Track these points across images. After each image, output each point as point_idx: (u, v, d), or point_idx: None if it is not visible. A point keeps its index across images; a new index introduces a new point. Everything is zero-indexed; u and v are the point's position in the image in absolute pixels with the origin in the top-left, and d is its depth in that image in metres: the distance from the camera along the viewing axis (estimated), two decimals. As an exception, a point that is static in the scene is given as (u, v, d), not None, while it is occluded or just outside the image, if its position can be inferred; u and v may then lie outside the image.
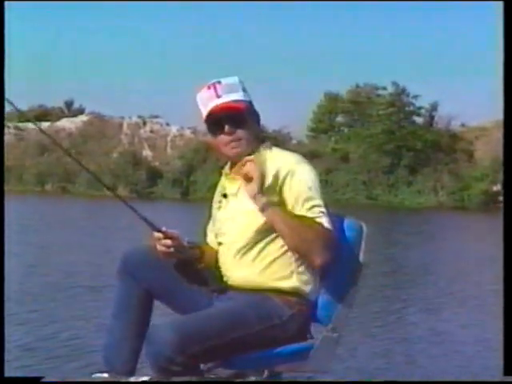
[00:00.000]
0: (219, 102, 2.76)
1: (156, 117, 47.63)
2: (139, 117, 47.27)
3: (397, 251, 15.21)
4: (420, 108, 45.09)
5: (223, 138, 2.78)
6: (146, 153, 44.84)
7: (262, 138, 2.87)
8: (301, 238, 2.65)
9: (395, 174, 42.02)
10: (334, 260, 2.70)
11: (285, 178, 2.71)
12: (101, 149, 44.00)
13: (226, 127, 2.76)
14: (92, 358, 5.07)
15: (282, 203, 2.70)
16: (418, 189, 41.57)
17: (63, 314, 6.91)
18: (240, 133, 2.77)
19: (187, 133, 46.27)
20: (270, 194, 2.70)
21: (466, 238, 20.63)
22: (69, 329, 6.24)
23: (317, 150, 43.04)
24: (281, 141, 43.33)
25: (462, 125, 46.05)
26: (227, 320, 2.63)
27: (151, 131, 46.58)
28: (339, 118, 46.66)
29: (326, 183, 41.09)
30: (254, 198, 2.69)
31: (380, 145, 42.24)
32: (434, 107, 45.59)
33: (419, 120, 45.41)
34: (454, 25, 77.68)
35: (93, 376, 2.86)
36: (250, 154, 2.79)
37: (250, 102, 2.84)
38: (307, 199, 2.68)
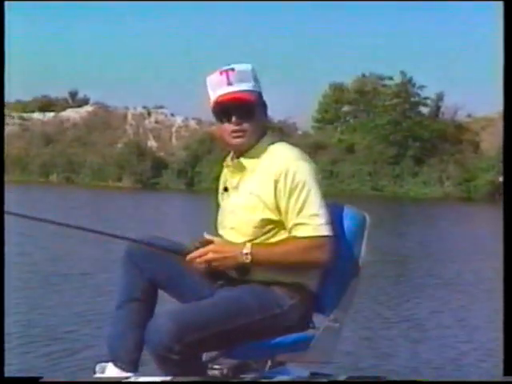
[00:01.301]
0: (229, 90, 2.74)
1: (161, 107, 47.58)
2: (144, 107, 47.21)
3: (392, 241, 15.18)
4: (426, 98, 44.91)
5: (229, 127, 2.76)
6: (151, 143, 44.80)
7: (265, 130, 2.83)
8: (294, 261, 2.67)
9: (401, 165, 41.89)
10: (336, 252, 2.70)
11: (280, 176, 2.68)
12: (105, 139, 43.97)
13: (234, 118, 2.74)
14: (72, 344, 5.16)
15: (275, 199, 2.69)
16: (423, 179, 41.45)
17: (46, 302, 6.92)
18: (246, 125, 2.75)
19: (192, 123, 46.19)
20: (263, 190, 2.69)
21: (469, 228, 20.59)
22: (52, 316, 6.23)
23: (322, 141, 42.95)
24: (286, 131, 43.25)
25: (468, 115, 45.88)
26: (226, 309, 2.64)
27: (156, 122, 46.52)
28: (345, 109, 46.48)
29: (331, 174, 41.04)
30: (235, 265, 2.68)
31: (386, 135, 42.10)
32: (440, 97, 45.41)
33: (425, 110, 45.26)
34: (460, 15, 77.30)
35: (97, 366, 2.85)
36: (252, 146, 2.77)
37: (260, 93, 2.81)
38: (302, 207, 2.67)
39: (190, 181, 41.00)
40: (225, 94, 2.74)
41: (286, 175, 2.66)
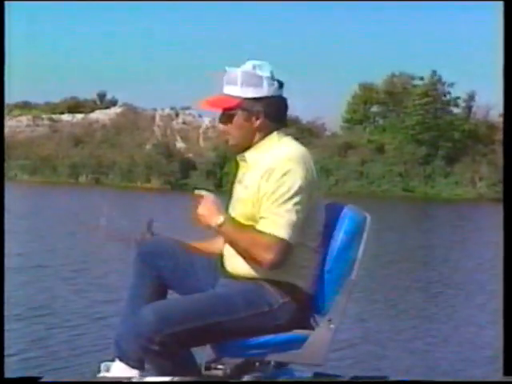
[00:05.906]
0: (217, 94, 2.82)
1: (188, 108, 47.65)
2: (171, 108, 47.32)
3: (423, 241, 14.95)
4: (457, 98, 44.40)
5: (221, 127, 2.88)
6: (179, 144, 44.91)
7: (275, 126, 2.80)
8: (244, 248, 2.69)
9: (432, 165, 41.44)
10: (331, 252, 2.73)
11: (266, 172, 2.70)
12: (134, 140, 44.20)
13: (219, 120, 2.87)
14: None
15: (258, 194, 2.71)
16: (455, 180, 40.99)
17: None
18: (229, 127, 2.83)
19: (219, 124, 46.19)
20: (253, 185, 2.73)
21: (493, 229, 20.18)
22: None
23: (352, 141, 42.73)
24: (315, 132, 43.05)
25: (501, 115, 45.26)
26: (209, 304, 2.69)
27: (184, 123, 46.67)
28: (374, 109, 46.17)
29: (361, 175, 40.76)
30: (209, 223, 2.72)
31: (416, 135, 41.67)
32: (472, 97, 44.87)
33: (457, 110, 44.75)
34: (489, 14, 76.47)
35: (102, 365, 2.87)
36: (250, 146, 2.80)
37: (246, 98, 2.77)
38: (272, 204, 2.66)
39: (218, 182, 41.01)
40: (212, 98, 2.85)
41: (271, 173, 2.68)
